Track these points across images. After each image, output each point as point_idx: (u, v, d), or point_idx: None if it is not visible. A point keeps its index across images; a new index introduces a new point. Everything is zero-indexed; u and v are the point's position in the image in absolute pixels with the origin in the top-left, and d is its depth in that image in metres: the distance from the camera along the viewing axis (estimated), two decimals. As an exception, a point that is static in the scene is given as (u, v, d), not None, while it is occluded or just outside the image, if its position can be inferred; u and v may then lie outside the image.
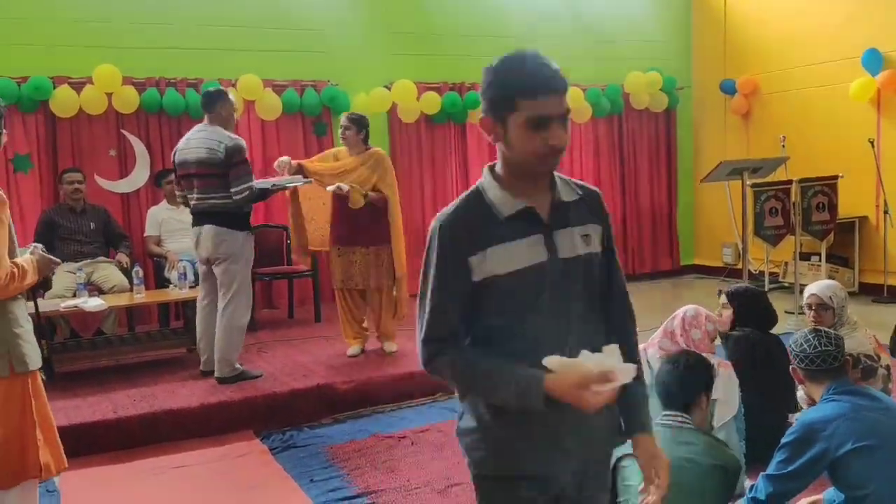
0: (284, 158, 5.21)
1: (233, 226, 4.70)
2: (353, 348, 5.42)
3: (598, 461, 1.83)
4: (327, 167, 5.27)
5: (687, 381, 2.69)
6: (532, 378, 1.59)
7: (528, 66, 1.63)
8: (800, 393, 3.72)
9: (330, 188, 5.12)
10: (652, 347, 3.36)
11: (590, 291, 1.75)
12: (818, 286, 3.87)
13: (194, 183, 4.73)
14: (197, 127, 4.85)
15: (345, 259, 5.27)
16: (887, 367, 3.67)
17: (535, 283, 1.67)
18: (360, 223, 5.19)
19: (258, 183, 4.81)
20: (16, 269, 2.71)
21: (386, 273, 5.25)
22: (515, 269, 1.66)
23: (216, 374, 4.78)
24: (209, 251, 4.73)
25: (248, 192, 4.64)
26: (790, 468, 2.45)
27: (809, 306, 3.82)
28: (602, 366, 1.53)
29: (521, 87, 1.62)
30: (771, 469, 2.53)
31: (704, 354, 3.30)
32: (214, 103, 4.78)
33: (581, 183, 1.84)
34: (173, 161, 4.91)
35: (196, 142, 4.71)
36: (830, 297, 3.77)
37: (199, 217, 4.76)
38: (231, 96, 4.88)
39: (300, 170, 5.19)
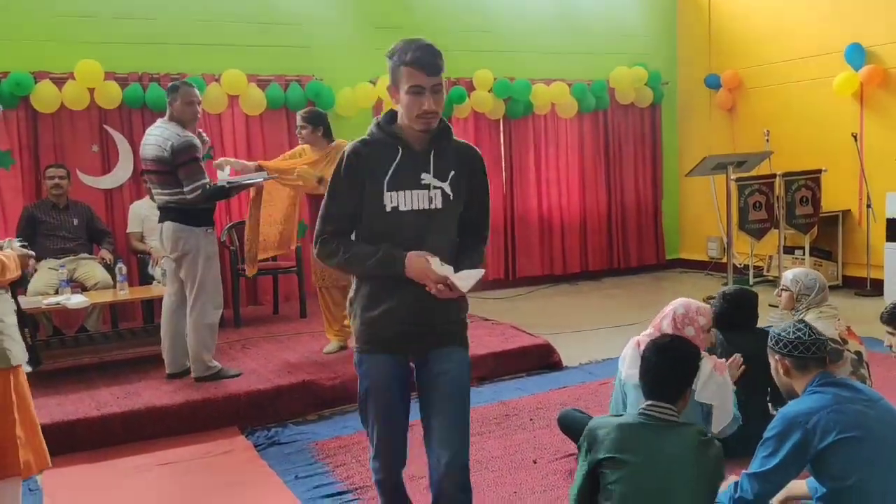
0: (222, 161, 5.14)
1: (190, 222, 4.61)
2: (330, 345, 5.41)
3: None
4: (289, 163, 5.25)
5: (680, 371, 2.59)
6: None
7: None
8: None
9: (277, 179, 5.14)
10: (645, 344, 3.32)
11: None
12: (792, 270, 4.12)
13: (153, 178, 4.70)
14: (157, 122, 4.75)
15: None
16: (858, 353, 3.72)
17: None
18: None
19: (215, 182, 4.74)
20: None
21: None
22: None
23: (193, 375, 4.74)
24: (169, 248, 4.67)
25: (200, 192, 4.53)
26: (774, 462, 2.45)
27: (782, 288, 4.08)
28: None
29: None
30: (755, 466, 2.51)
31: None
32: (169, 99, 4.67)
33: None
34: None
35: (152, 138, 4.63)
36: (793, 281, 3.95)
37: (161, 212, 4.72)
38: (187, 89, 4.64)
39: (260, 169, 5.16)
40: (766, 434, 2.50)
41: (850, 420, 2.39)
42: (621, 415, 2.78)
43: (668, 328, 3.27)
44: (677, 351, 2.65)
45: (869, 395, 2.54)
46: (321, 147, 5.21)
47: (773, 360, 2.68)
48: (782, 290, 4.01)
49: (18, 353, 2.78)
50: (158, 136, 4.59)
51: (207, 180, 4.60)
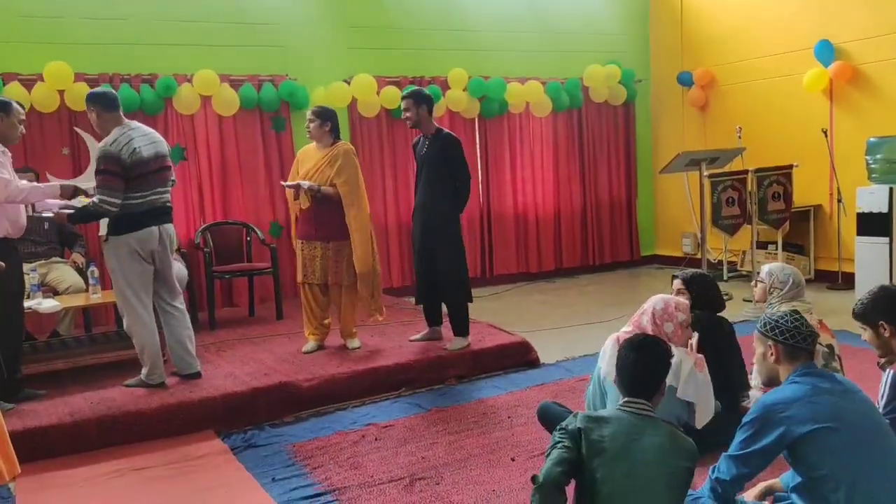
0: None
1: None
2: (308, 344, 5.41)
3: None
4: (302, 172, 5.28)
5: (655, 370, 2.66)
6: None
7: None
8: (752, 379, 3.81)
9: (287, 185, 5.20)
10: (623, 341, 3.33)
11: None
12: (769, 264, 4.24)
13: (168, 175, 4.70)
14: (135, 122, 4.64)
15: (305, 254, 5.26)
16: (829, 346, 3.78)
17: None
18: (319, 218, 5.18)
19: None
20: None
21: (346, 269, 5.22)
22: None
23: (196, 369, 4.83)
24: (175, 247, 4.92)
25: None
26: (752, 447, 2.49)
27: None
28: None
29: None
30: (733, 449, 2.57)
31: (679, 346, 3.30)
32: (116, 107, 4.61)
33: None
34: (141, 155, 4.43)
35: (152, 137, 4.62)
36: (768, 273, 4.05)
37: (168, 213, 4.69)
38: None
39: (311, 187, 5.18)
40: (746, 419, 2.56)
41: (825, 411, 2.43)
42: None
43: (647, 324, 3.30)
44: (649, 351, 2.70)
45: (847, 386, 2.57)
46: (325, 144, 5.21)
47: (764, 346, 2.70)
48: (758, 281, 4.08)
49: None
50: (156, 134, 4.67)
51: None
